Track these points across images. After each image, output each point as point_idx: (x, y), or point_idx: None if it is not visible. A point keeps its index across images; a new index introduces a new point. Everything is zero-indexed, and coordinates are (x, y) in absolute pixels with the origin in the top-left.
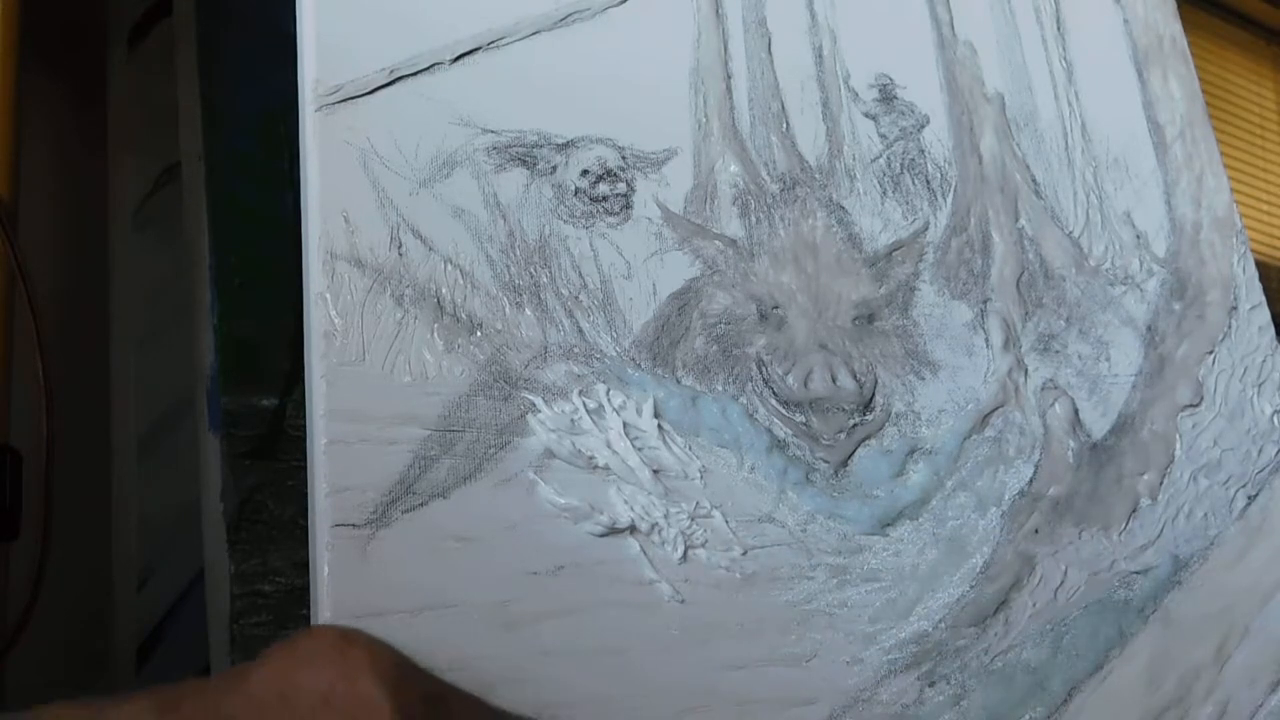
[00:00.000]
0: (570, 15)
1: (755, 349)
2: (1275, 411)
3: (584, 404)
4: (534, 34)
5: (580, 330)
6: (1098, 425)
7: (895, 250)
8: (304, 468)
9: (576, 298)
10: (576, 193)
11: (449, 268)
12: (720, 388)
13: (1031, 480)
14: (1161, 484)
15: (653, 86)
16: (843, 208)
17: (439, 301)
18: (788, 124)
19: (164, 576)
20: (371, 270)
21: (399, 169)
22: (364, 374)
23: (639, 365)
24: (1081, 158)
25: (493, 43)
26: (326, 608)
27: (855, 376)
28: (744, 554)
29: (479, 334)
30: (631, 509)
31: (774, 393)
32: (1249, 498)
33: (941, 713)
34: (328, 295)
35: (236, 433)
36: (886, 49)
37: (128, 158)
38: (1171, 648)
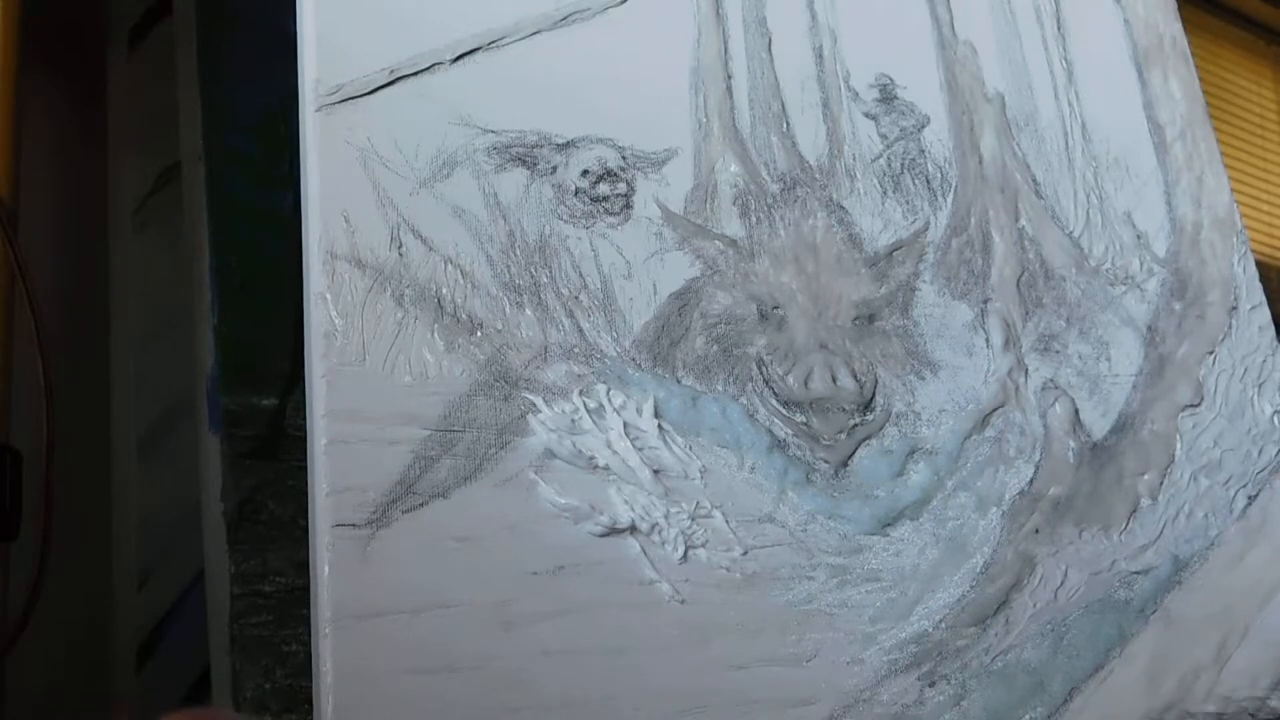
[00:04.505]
0: (570, 15)
1: (755, 349)
2: (1275, 411)
3: (584, 404)
4: (534, 34)
5: (580, 330)
6: (1098, 425)
7: (895, 250)
8: (304, 468)
9: (577, 298)
10: (577, 193)
11: (449, 268)
12: (720, 388)
13: (1032, 480)
14: (1162, 484)
15: (653, 86)
16: (843, 208)
17: (439, 301)
18: (788, 124)
19: (164, 576)
20: (371, 270)
21: (399, 169)
22: (364, 374)
23: (639, 365)
24: (1081, 158)
25: (493, 43)
26: (327, 608)
27: (855, 376)
28: (744, 554)
29: (479, 334)
30: (632, 509)
31: (774, 393)
32: (1249, 498)
33: (942, 713)
34: (328, 295)
35: (236, 433)
36: (886, 49)
37: (128, 158)
38: (1171, 648)
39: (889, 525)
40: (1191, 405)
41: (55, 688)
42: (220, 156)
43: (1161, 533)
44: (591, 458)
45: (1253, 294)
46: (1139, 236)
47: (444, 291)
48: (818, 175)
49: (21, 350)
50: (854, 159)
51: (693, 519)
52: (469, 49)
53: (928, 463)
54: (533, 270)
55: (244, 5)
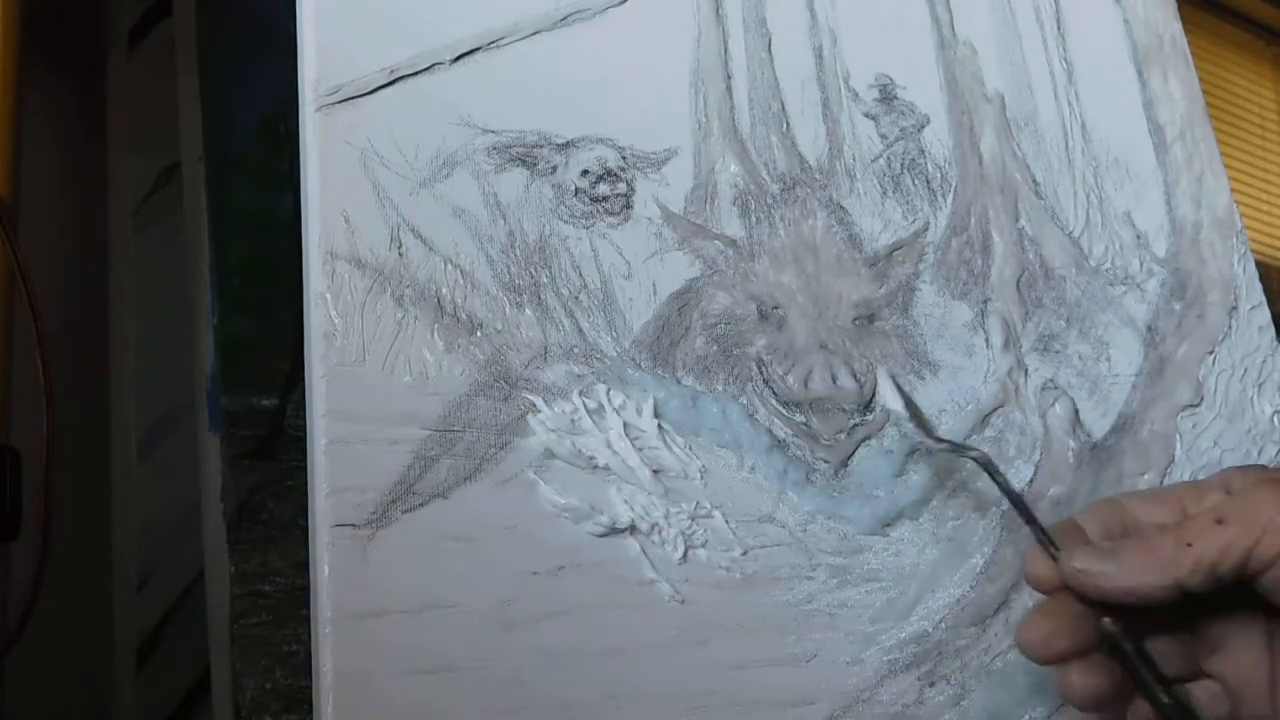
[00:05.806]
0: (570, 15)
1: (755, 349)
2: (1275, 412)
3: (584, 404)
4: (534, 34)
5: (580, 330)
6: (1098, 425)
7: (895, 250)
8: (304, 468)
9: (576, 298)
10: (576, 193)
11: (449, 268)
12: (720, 388)
13: (1032, 480)
14: (1162, 484)
15: (653, 86)
16: (843, 208)
17: (439, 301)
18: (788, 124)
19: (164, 577)
20: (371, 270)
21: (399, 169)
22: (364, 374)
23: (639, 365)
24: (1081, 158)
25: (493, 43)
26: (326, 608)
27: (855, 376)
28: (744, 554)
29: (479, 334)
30: (631, 509)
31: (774, 393)
32: None
33: (942, 713)
34: (328, 295)
35: (236, 433)
36: (886, 49)
37: (128, 158)
38: None
39: (889, 525)
40: (1191, 405)
41: (55, 688)
42: (220, 156)
43: None
44: (591, 458)
45: (1253, 294)
46: (1139, 236)
47: (444, 291)
48: (818, 175)
49: (21, 350)
50: (854, 159)
51: (693, 519)
52: (469, 49)
53: (928, 463)
54: (533, 270)
55: (244, 5)
